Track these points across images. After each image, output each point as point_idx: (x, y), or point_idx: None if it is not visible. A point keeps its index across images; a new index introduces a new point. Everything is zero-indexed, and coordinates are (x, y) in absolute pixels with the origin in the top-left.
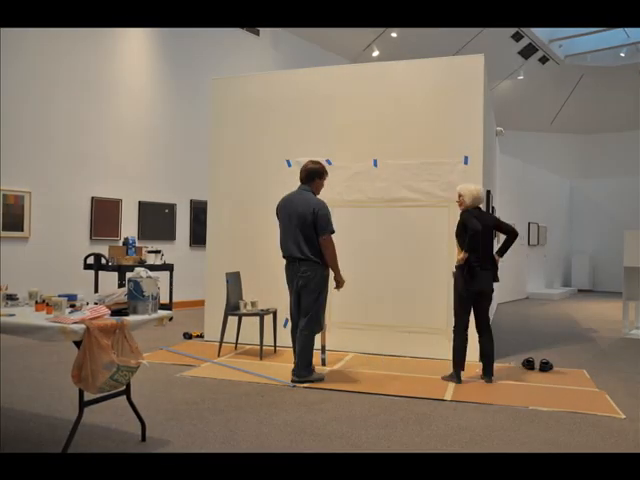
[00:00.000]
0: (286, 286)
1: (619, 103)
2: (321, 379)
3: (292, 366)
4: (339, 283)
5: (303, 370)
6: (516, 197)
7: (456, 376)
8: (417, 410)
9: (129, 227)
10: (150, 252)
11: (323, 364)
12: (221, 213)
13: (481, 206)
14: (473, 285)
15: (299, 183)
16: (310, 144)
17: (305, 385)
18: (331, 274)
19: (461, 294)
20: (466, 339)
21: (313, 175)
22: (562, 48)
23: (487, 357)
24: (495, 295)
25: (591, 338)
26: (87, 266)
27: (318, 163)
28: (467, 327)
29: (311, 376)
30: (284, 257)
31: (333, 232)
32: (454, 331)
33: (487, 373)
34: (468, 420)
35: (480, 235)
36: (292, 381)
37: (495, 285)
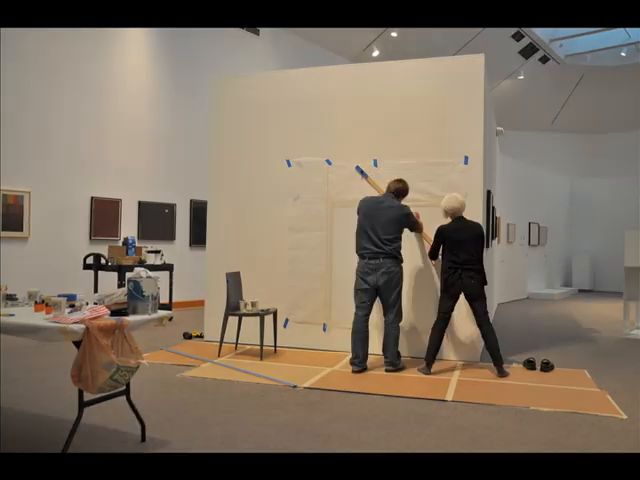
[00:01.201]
0: (286, 286)
1: (619, 103)
2: (404, 367)
3: (293, 366)
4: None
5: (398, 358)
6: (516, 197)
7: (425, 367)
8: (417, 410)
9: (129, 227)
10: (150, 252)
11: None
12: (221, 213)
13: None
14: (448, 288)
15: (299, 183)
16: (310, 144)
17: (306, 385)
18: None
19: (441, 294)
20: (441, 334)
21: (402, 193)
22: (562, 48)
23: (490, 347)
24: (495, 295)
25: (592, 338)
26: (87, 266)
27: (402, 181)
28: (445, 323)
29: (401, 364)
30: (365, 253)
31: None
32: (434, 322)
33: (495, 362)
34: (468, 420)
35: (446, 238)
36: (387, 370)
37: (495, 285)
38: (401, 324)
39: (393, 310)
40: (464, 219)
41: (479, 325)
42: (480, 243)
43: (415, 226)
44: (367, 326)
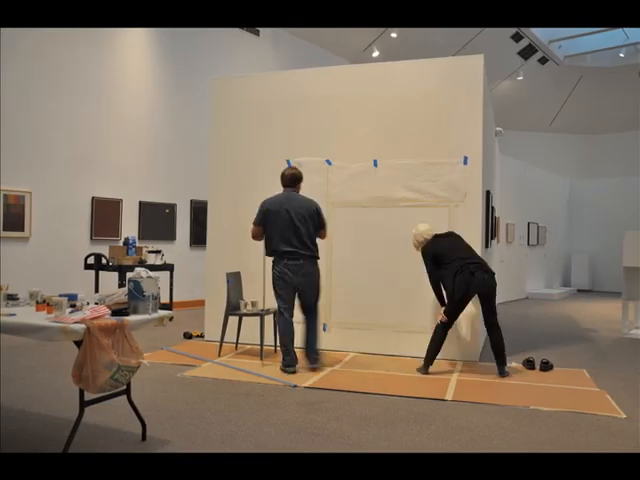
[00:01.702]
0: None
1: (619, 103)
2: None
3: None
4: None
5: (317, 353)
6: (516, 197)
7: (424, 367)
8: (417, 410)
9: (129, 227)
10: (150, 252)
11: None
12: (221, 213)
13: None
14: (460, 290)
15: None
16: (310, 144)
17: (306, 385)
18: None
19: (450, 297)
20: (443, 337)
21: (299, 179)
22: (562, 48)
23: (496, 347)
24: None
25: (591, 338)
26: (87, 266)
27: (295, 168)
28: (449, 326)
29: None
30: (276, 253)
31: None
32: (436, 326)
33: (499, 362)
34: (468, 420)
35: (434, 254)
36: (314, 369)
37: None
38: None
39: (315, 309)
40: (438, 234)
41: (488, 325)
42: (465, 241)
43: (324, 223)
44: (293, 327)
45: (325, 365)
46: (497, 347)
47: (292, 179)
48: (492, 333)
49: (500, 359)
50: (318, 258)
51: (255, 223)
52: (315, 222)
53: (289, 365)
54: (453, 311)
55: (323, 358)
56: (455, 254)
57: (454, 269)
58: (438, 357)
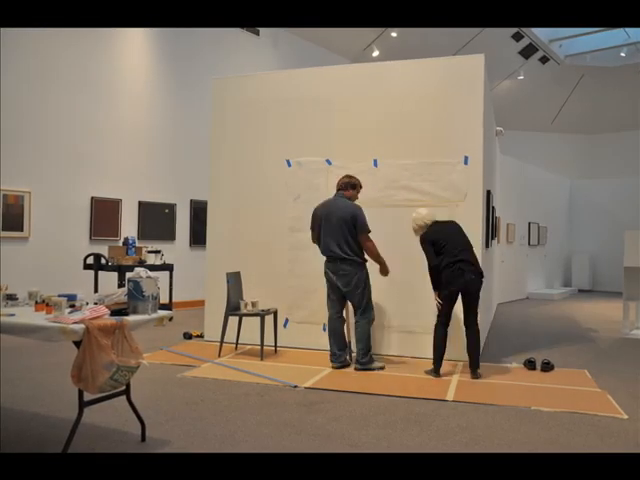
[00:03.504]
0: (286, 286)
1: (619, 103)
2: (382, 368)
3: (293, 366)
4: (383, 272)
5: (364, 357)
6: (516, 197)
7: (434, 370)
8: (417, 410)
9: (129, 227)
10: (150, 252)
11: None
12: (221, 213)
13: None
14: (447, 287)
15: (299, 183)
16: (310, 144)
17: (306, 385)
18: (370, 270)
19: (439, 292)
20: (444, 335)
21: (345, 185)
22: (562, 48)
23: (471, 349)
24: (495, 295)
25: (591, 338)
26: (87, 266)
27: (350, 177)
28: (446, 323)
29: (372, 364)
30: (325, 256)
31: (370, 231)
32: (435, 324)
33: (470, 365)
34: (468, 420)
35: (431, 243)
36: (355, 369)
37: (495, 285)
38: (402, 326)
39: (358, 310)
40: (438, 222)
41: (466, 324)
42: (463, 235)
43: (363, 230)
44: (340, 323)
45: (324, 365)
46: (471, 349)
47: (342, 184)
48: (469, 333)
49: (473, 361)
50: (361, 261)
51: (310, 228)
52: (351, 227)
53: (330, 360)
54: (444, 304)
55: (373, 362)
56: (450, 249)
57: (444, 263)
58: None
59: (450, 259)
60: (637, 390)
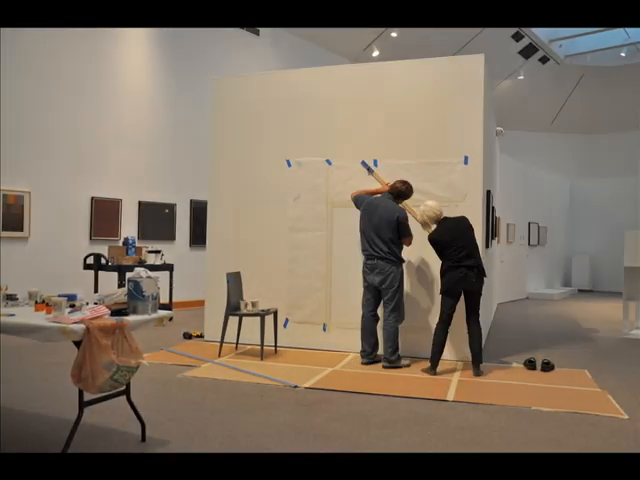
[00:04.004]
0: (286, 286)
1: (619, 103)
2: (408, 365)
3: (293, 366)
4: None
5: (392, 355)
6: (516, 197)
7: (430, 368)
8: (417, 410)
9: (129, 227)
10: (150, 252)
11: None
12: (221, 213)
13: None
14: (450, 288)
15: (299, 183)
16: (310, 144)
17: (306, 385)
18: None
19: (442, 295)
20: (445, 335)
21: (398, 193)
22: (562, 48)
23: (473, 347)
24: (495, 295)
25: (591, 338)
26: (87, 266)
27: (406, 183)
28: (447, 323)
29: (400, 362)
30: (364, 254)
31: (411, 235)
32: (436, 324)
33: (473, 362)
34: (468, 420)
35: (439, 244)
36: (383, 367)
37: (495, 285)
38: (402, 324)
39: (388, 308)
40: (447, 218)
41: (468, 321)
42: (470, 233)
43: (406, 233)
44: (373, 322)
45: (326, 365)
46: (473, 347)
47: (394, 189)
48: (471, 332)
49: (475, 359)
50: (398, 261)
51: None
52: (393, 229)
53: (361, 356)
54: (444, 303)
55: (400, 360)
56: (454, 251)
57: (447, 265)
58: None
59: (453, 262)
60: (637, 390)
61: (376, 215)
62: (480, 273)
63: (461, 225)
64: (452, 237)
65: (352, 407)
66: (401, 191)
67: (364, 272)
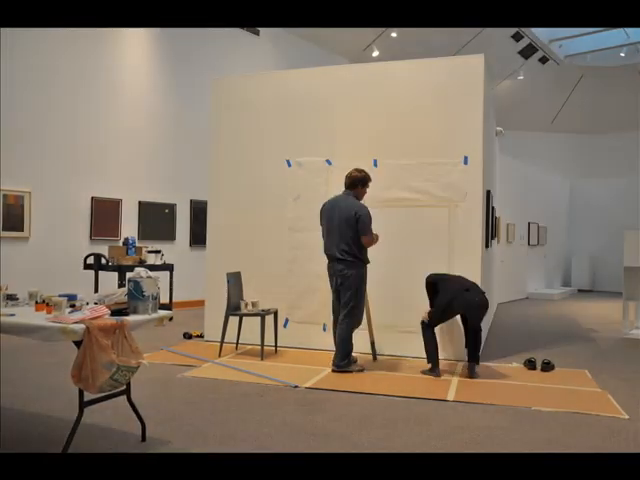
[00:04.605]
0: (286, 286)
1: (619, 103)
2: (361, 370)
3: (293, 366)
4: (375, 241)
5: (341, 360)
6: (516, 197)
7: (431, 369)
8: (417, 410)
9: (129, 227)
10: (150, 252)
11: (374, 359)
12: (221, 213)
13: None
14: (451, 307)
15: (299, 183)
16: (310, 144)
17: (307, 385)
18: (368, 270)
19: (437, 309)
20: (432, 334)
21: (356, 183)
22: (562, 48)
23: (470, 346)
24: (495, 295)
25: (591, 338)
26: (87, 266)
27: (362, 171)
28: (433, 331)
29: (350, 367)
30: (325, 255)
31: (371, 232)
32: (423, 326)
33: (469, 361)
34: (468, 420)
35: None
36: (332, 371)
37: (495, 285)
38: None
39: (343, 311)
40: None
41: (468, 336)
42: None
43: (364, 230)
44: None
45: (325, 365)
46: (472, 345)
47: (348, 181)
48: (470, 337)
49: (472, 358)
50: (360, 262)
51: (320, 224)
52: (352, 227)
53: (333, 364)
54: (436, 318)
55: (350, 365)
56: (456, 280)
57: (451, 285)
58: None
59: (456, 287)
60: (637, 390)
61: (336, 214)
62: (484, 299)
63: (462, 281)
64: (449, 278)
65: (352, 407)
66: (357, 178)
67: (328, 275)
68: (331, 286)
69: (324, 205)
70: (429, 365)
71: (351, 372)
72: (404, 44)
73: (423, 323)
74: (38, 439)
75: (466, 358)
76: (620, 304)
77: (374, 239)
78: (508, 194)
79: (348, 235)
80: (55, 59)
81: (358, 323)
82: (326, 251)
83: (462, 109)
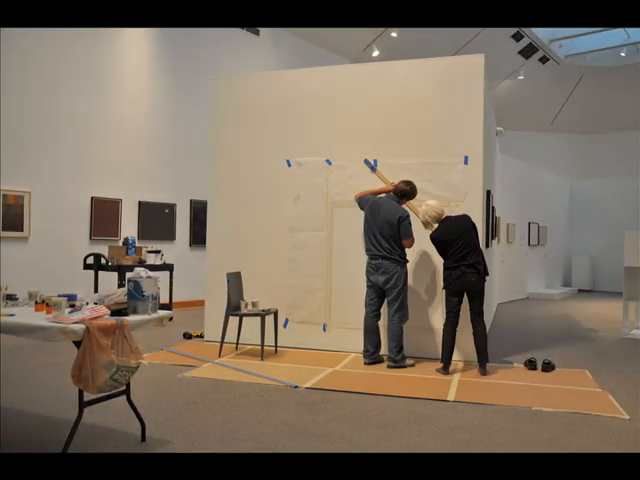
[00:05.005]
0: (286, 286)
1: (619, 103)
2: (412, 365)
3: (293, 366)
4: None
5: (397, 354)
6: (516, 197)
7: (443, 368)
8: (417, 410)
9: (129, 227)
10: (150, 252)
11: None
12: (221, 213)
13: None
14: (450, 286)
15: (299, 183)
16: (310, 144)
17: (307, 385)
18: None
19: (445, 294)
20: (452, 334)
21: (402, 196)
22: (562, 48)
23: (478, 346)
24: (495, 295)
25: (591, 338)
26: (87, 266)
27: (410, 184)
28: (454, 323)
29: (404, 362)
30: (368, 254)
31: (412, 237)
32: (443, 324)
33: (480, 361)
34: (468, 420)
35: (440, 243)
36: (388, 366)
37: (495, 285)
38: (406, 324)
39: (393, 307)
40: (449, 217)
41: (472, 321)
42: (473, 233)
43: (406, 234)
44: (375, 322)
45: (326, 365)
46: (479, 346)
47: (397, 190)
48: (475, 330)
49: (481, 358)
50: (402, 261)
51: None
52: (395, 230)
53: (363, 356)
54: (447, 303)
55: (405, 360)
56: (455, 250)
57: (448, 265)
58: (436, 357)
59: (454, 261)
60: (638, 390)
61: (379, 215)
62: (481, 272)
63: (462, 224)
64: (453, 236)
65: (352, 407)
66: (405, 191)
67: (368, 272)
68: (370, 282)
69: (369, 203)
70: (442, 364)
71: (405, 367)
72: (404, 44)
73: (446, 317)
74: (38, 439)
75: (466, 358)
76: (620, 304)
77: (412, 242)
78: (508, 194)
79: (391, 236)
80: (55, 59)
81: (407, 318)
82: (369, 250)
83: (462, 109)
